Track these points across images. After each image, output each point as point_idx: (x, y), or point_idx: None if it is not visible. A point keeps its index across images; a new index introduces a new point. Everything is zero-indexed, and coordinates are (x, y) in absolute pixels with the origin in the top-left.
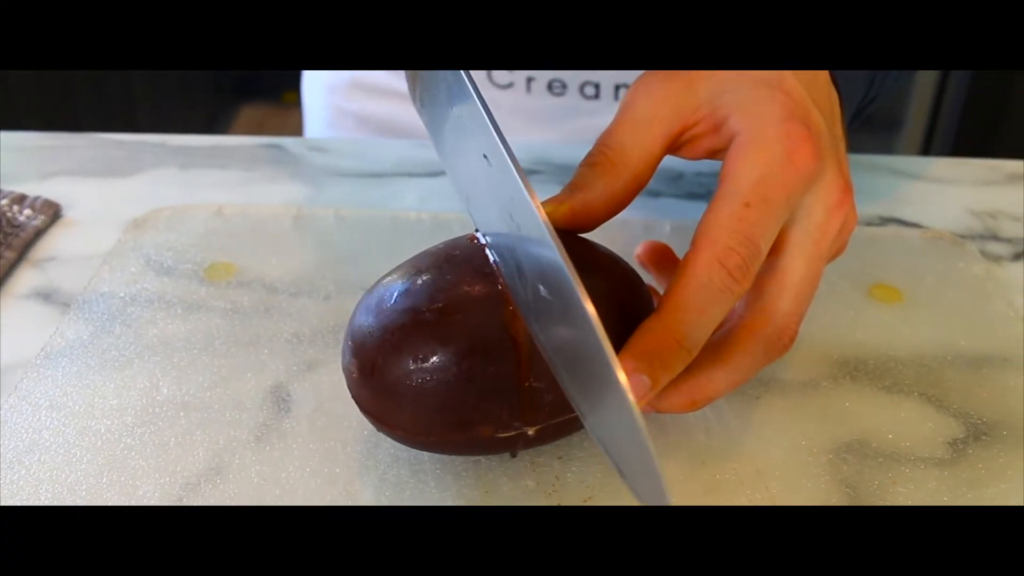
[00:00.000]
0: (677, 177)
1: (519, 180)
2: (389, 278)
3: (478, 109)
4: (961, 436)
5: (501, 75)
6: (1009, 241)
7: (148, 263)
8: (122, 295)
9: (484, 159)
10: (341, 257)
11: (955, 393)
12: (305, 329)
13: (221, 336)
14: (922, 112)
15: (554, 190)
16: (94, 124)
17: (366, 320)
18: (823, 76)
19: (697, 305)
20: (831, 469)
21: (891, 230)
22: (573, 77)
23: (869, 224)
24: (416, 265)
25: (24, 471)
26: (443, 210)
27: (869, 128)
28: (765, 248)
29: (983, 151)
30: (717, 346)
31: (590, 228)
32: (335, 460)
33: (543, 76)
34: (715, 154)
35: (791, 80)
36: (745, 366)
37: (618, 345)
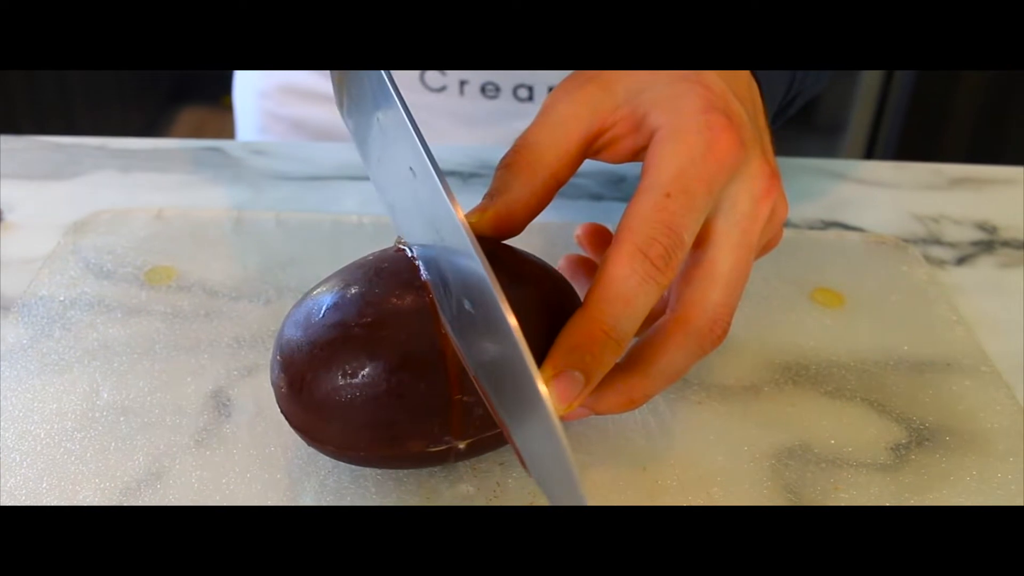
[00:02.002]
0: (619, 180)
1: (444, 193)
2: (318, 291)
3: (402, 116)
4: (904, 441)
5: (434, 78)
6: (952, 245)
7: (88, 267)
8: (62, 299)
9: (410, 170)
10: (282, 261)
11: (898, 398)
12: (245, 333)
13: (161, 340)
14: (866, 115)
15: None
16: (32, 127)
17: (294, 334)
18: (743, 72)
19: (622, 296)
20: (773, 474)
21: (833, 234)
22: (506, 80)
23: (811, 228)
24: (345, 278)
25: None
26: (384, 214)
27: (813, 131)
28: (688, 238)
29: (927, 155)
30: (650, 342)
31: (516, 231)
32: (275, 465)
33: (476, 79)
34: (638, 154)
35: (710, 75)
36: (679, 360)
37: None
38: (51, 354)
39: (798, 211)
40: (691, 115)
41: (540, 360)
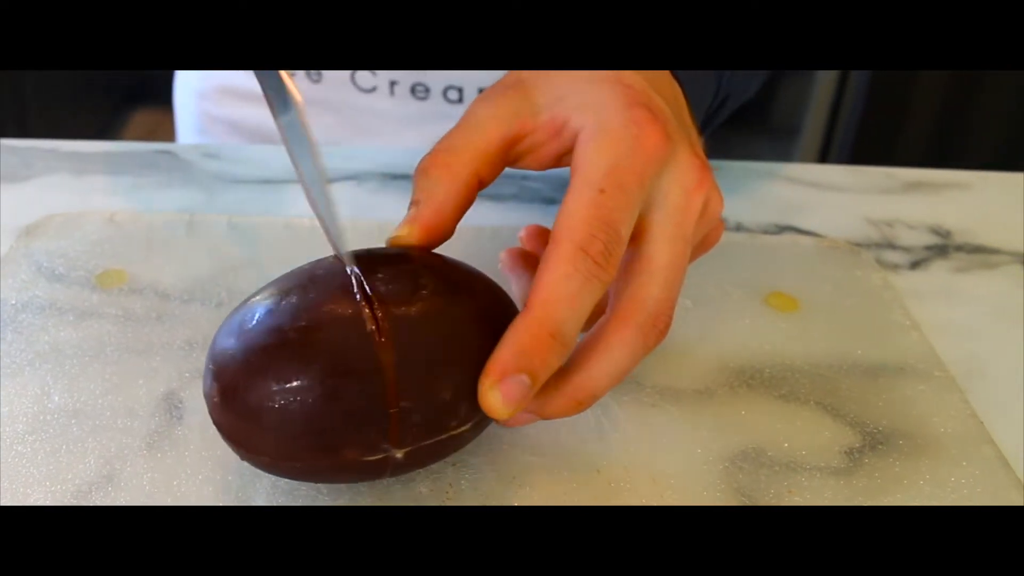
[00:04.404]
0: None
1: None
2: (252, 300)
3: (296, 120)
4: (857, 445)
5: (364, 78)
6: (906, 250)
7: (39, 270)
8: (13, 302)
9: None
10: (234, 264)
11: (851, 402)
12: (198, 336)
13: (113, 343)
14: (820, 119)
15: None
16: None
17: (227, 342)
18: (663, 72)
19: (565, 296)
20: (727, 477)
21: (787, 238)
22: (436, 81)
23: (765, 232)
24: (280, 286)
25: None
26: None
27: (766, 134)
28: (626, 233)
29: (882, 159)
30: (593, 341)
31: (446, 236)
32: (227, 468)
33: (406, 80)
34: (561, 159)
35: (629, 74)
36: (623, 357)
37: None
38: (2, 357)
39: (751, 215)
40: (615, 112)
41: (478, 369)
